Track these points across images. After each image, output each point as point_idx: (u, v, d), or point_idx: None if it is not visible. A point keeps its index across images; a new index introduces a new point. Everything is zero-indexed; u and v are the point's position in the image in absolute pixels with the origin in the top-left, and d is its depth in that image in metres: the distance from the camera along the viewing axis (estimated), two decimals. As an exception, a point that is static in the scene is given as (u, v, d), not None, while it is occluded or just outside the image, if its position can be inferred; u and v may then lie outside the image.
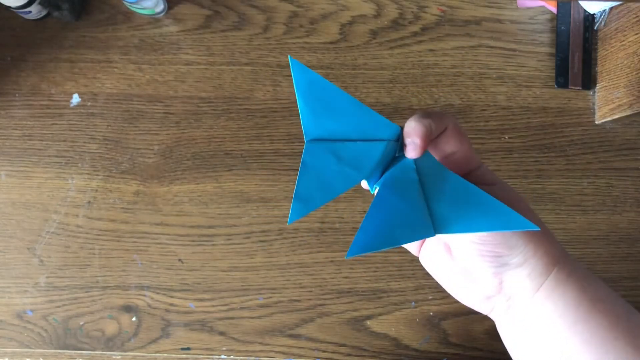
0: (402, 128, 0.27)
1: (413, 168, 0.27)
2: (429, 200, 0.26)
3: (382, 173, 0.28)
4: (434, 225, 0.26)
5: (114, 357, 0.53)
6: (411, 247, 0.33)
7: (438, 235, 0.27)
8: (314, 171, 0.26)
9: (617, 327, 0.26)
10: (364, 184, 0.30)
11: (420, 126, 0.27)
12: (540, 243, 0.27)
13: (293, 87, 0.56)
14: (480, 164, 0.29)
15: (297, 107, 0.56)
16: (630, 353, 0.25)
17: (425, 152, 0.27)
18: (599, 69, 0.57)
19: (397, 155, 0.28)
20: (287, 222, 0.54)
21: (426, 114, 0.27)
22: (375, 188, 0.28)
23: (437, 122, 0.28)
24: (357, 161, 0.27)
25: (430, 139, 0.27)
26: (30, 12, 0.55)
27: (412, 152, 0.27)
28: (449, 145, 0.28)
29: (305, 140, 0.26)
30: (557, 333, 0.27)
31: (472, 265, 0.28)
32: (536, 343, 0.28)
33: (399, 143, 0.27)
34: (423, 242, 0.32)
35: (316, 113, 0.27)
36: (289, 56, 0.27)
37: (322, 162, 0.26)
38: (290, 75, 0.57)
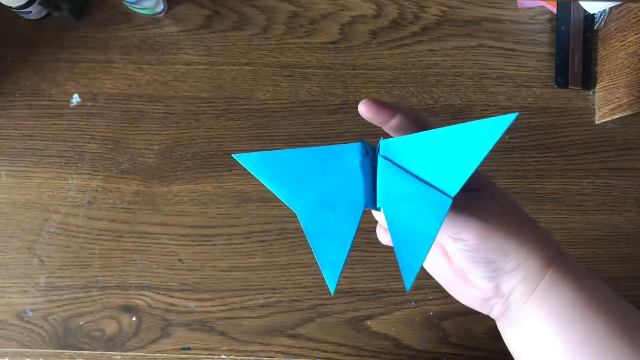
0: (362, 141, 0.27)
1: (390, 164, 0.27)
2: (421, 176, 0.26)
3: (375, 193, 0.28)
4: (444, 193, 0.25)
5: (114, 357, 0.53)
6: None
7: (438, 238, 0.26)
8: (320, 232, 0.26)
9: (614, 326, 0.26)
10: (378, 217, 0.30)
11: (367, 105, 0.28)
12: (535, 245, 0.27)
13: (293, 88, 0.57)
14: (426, 119, 0.30)
15: (297, 107, 0.56)
16: (628, 352, 0.25)
17: (388, 141, 0.27)
18: (599, 69, 0.57)
19: (374, 165, 0.28)
20: (287, 222, 0.54)
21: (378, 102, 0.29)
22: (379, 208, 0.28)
23: (388, 106, 0.28)
24: (347, 197, 0.27)
25: (379, 106, 0.28)
26: (30, 12, 0.55)
27: (360, 105, 0.28)
28: (403, 127, 0.29)
29: (296, 212, 0.26)
30: (554, 333, 0.26)
31: (468, 270, 0.28)
32: (535, 343, 0.28)
33: (369, 152, 0.27)
34: None
35: (287, 182, 0.27)
36: (233, 155, 0.26)
37: (320, 219, 0.26)
38: (291, 76, 0.57)
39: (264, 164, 0.27)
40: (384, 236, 0.33)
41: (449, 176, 0.25)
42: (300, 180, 0.27)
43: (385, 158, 0.27)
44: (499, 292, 0.28)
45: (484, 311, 0.30)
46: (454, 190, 0.25)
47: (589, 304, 0.26)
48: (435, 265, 0.32)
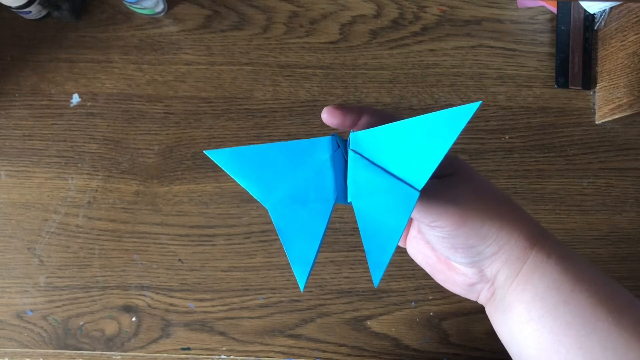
0: (334, 135, 0.27)
1: (359, 157, 0.26)
2: (389, 169, 0.25)
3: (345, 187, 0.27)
4: (411, 186, 0.25)
5: (114, 357, 0.52)
6: None
7: (417, 225, 0.26)
8: (291, 228, 0.26)
9: (600, 307, 0.25)
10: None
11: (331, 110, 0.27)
12: (514, 227, 0.27)
13: (293, 88, 0.57)
14: (392, 113, 0.29)
15: (297, 107, 0.56)
16: (614, 333, 0.25)
17: (357, 134, 0.26)
18: (599, 69, 0.57)
19: (345, 159, 0.27)
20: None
21: (339, 105, 0.28)
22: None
23: (352, 109, 0.28)
24: (317, 193, 0.26)
25: (343, 111, 0.27)
26: (30, 12, 0.55)
27: (323, 113, 0.27)
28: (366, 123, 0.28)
29: (267, 208, 0.26)
30: (539, 317, 0.26)
31: (449, 257, 0.28)
32: (520, 328, 0.27)
33: (341, 146, 0.27)
34: (407, 233, 0.32)
35: (257, 178, 0.26)
36: (205, 152, 0.26)
37: (291, 215, 0.26)
38: (291, 76, 0.57)
39: (234, 160, 0.26)
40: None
41: (415, 168, 0.24)
42: (272, 175, 0.26)
43: (355, 152, 0.26)
44: (484, 277, 0.28)
45: (472, 297, 0.30)
46: (420, 182, 0.24)
47: (574, 285, 0.26)
48: (420, 253, 0.31)
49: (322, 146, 0.26)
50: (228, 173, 0.26)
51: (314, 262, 0.25)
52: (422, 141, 0.24)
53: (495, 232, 0.26)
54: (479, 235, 0.26)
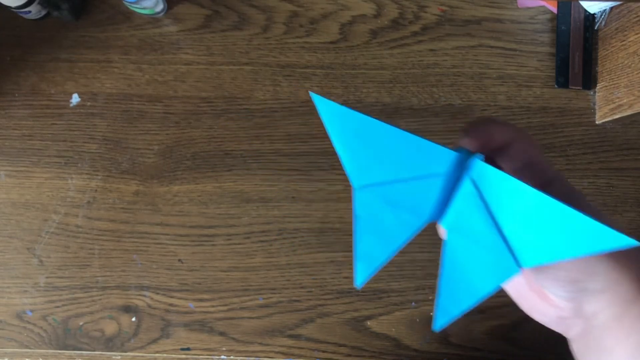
0: (460, 150, 0.23)
1: (475, 193, 0.22)
2: (502, 227, 0.22)
3: (445, 207, 0.24)
4: (515, 259, 0.22)
5: (113, 357, 0.52)
6: None
7: None
8: (369, 223, 0.23)
9: None
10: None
11: (473, 124, 0.23)
12: (629, 268, 0.24)
13: (293, 88, 0.56)
14: (557, 174, 0.25)
15: (297, 107, 0.56)
16: None
17: (485, 167, 0.22)
18: (599, 68, 0.57)
19: (457, 182, 0.23)
20: (287, 222, 0.54)
21: (488, 118, 0.24)
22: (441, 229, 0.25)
23: (501, 128, 0.24)
24: (413, 203, 0.23)
25: (486, 136, 0.24)
26: (29, 12, 0.55)
27: (463, 139, 0.23)
28: (516, 158, 0.24)
29: (353, 188, 0.23)
30: None
31: (546, 287, 0.25)
32: None
33: (459, 170, 0.23)
34: None
35: (358, 154, 0.23)
36: (310, 93, 0.22)
37: (376, 211, 0.23)
38: (291, 76, 0.57)
39: (344, 121, 0.22)
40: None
41: (529, 247, 0.21)
42: (375, 158, 0.23)
43: (475, 184, 0.22)
44: (580, 313, 0.25)
45: (558, 330, 0.27)
46: (527, 263, 0.21)
47: None
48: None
49: (444, 158, 0.22)
50: (328, 131, 0.22)
51: (381, 266, 0.23)
52: (554, 231, 0.21)
53: (605, 270, 0.24)
54: (587, 271, 0.24)
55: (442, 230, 0.26)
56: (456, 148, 0.23)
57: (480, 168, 0.22)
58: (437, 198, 0.23)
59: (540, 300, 0.27)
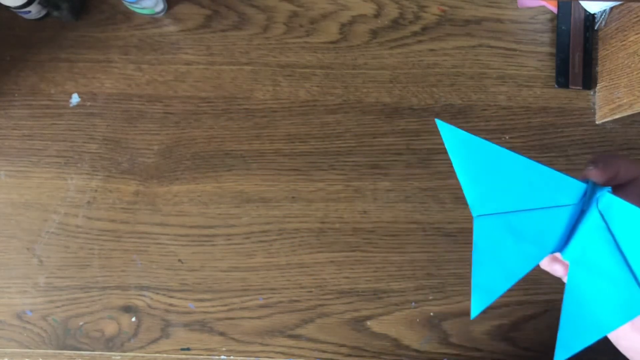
0: (589, 182, 0.22)
1: (603, 226, 0.22)
2: (630, 262, 0.21)
3: (568, 239, 0.23)
4: None
5: (113, 357, 0.52)
6: None
7: None
8: (490, 253, 0.23)
9: None
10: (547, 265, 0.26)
11: (601, 158, 0.23)
12: None
13: (293, 88, 0.56)
14: None
15: (297, 107, 0.56)
16: None
17: (614, 200, 0.22)
18: (599, 68, 0.57)
19: (582, 214, 0.23)
20: (288, 222, 0.54)
21: (616, 155, 0.23)
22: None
23: (627, 164, 0.24)
24: (538, 235, 0.22)
25: (615, 170, 0.23)
26: (29, 12, 0.55)
27: (591, 171, 0.22)
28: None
29: (473, 217, 0.23)
30: None
31: None
32: None
33: (585, 202, 0.23)
34: None
35: (480, 181, 0.22)
36: (436, 120, 0.21)
37: (497, 240, 0.23)
38: (291, 76, 0.57)
39: (468, 148, 0.22)
40: (548, 264, 0.28)
41: None
42: (498, 187, 0.22)
43: (602, 217, 0.22)
44: None
45: None
46: None
47: None
48: None
49: (572, 189, 0.22)
50: (451, 157, 0.22)
51: (497, 297, 0.22)
52: None
53: None
54: None
55: (557, 262, 0.26)
56: (584, 180, 0.22)
57: (608, 200, 0.22)
58: (564, 230, 0.22)
59: (634, 333, 0.25)
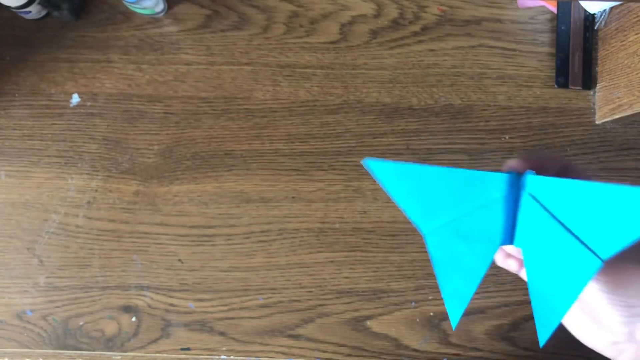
0: (511, 172, 0.24)
1: (537, 206, 0.24)
2: (572, 229, 0.23)
3: (514, 229, 0.25)
4: (595, 254, 0.22)
5: (113, 357, 0.52)
6: None
7: None
8: (448, 262, 0.24)
9: None
10: (502, 260, 0.27)
11: (524, 152, 0.24)
12: None
13: (293, 88, 0.56)
14: None
15: (297, 107, 0.56)
16: None
17: (538, 179, 0.24)
18: (599, 68, 0.57)
19: (517, 204, 0.24)
20: (288, 222, 0.54)
21: (538, 150, 0.25)
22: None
23: (551, 156, 0.25)
24: (483, 232, 0.24)
25: (536, 160, 0.25)
26: (30, 12, 0.55)
27: (512, 161, 0.24)
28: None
29: (423, 235, 0.24)
30: None
31: (600, 312, 0.26)
32: None
33: (515, 192, 0.24)
34: None
35: (418, 202, 0.24)
36: (364, 161, 0.23)
37: (451, 249, 0.24)
38: (291, 76, 0.57)
39: (397, 176, 0.24)
40: (502, 261, 0.30)
41: (603, 237, 0.22)
42: (435, 201, 0.24)
43: (533, 197, 0.24)
44: (632, 338, 0.26)
45: (608, 354, 0.27)
46: (606, 253, 0.22)
47: None
48: None
49: (498, 182, 0.24)
50: (385, 189, 0.24)
51: (469, 301, 0.24)
52: (618, 213, 0.22)
53: None
54: None
55: (510, 258, 0.27)
56: (506, 171, 0.24)
57: (534, 181, 0.23)
58: (503, 221, 0.24)
59: (593, 325, 0.27)
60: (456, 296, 0.24)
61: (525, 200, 0.24)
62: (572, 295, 0.23)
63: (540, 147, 0.56)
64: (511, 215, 0.24)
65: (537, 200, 0.24)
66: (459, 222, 0.24)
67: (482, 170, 0.24)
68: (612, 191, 0.21)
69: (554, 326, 0.23)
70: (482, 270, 0.24)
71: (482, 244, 0.24)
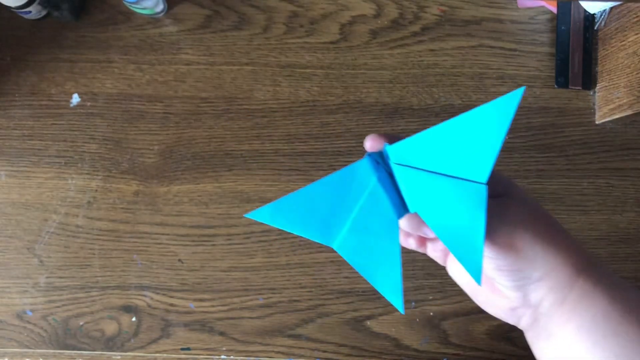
0: (368, 154, 0.26)
1: (406, 168, 0.25)
2: (444, 171, 0.24)
3: (403, 200, 0.26)
4: (475, 182, 0.24)
5: (114, 357, 0.52)
6: (437, 258, 0.32)
7: None
8: (365, 259, 0.25)
9: None
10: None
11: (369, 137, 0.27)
12: (563, 254, 0.26)
13: (293, 88, 0.57)
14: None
15: (297, 107, 0.56)
16: None
17: (394, 147, 0.25)
18: (599, 69, 0.57)
19: (388, 172, 0.26)
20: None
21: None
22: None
23: (388, 134, 0.27)
24: (377, 216, 0.25)
25: (382, 138, 0.27)
26: (30, 12, 0.55)
27: (366, 144, 0.27)
28: None
29: (334, 248, 0.25)
30: (586, 348, 0.25)
31: (494, 279, 0.27)
32: (566, 357, 0.26)
33: (380, 161, 0.26)
34: (449, 253, 0.31)
35: (311, 224, 0.25)
36: (246, 215, 0.25)
37: (360, 246, 0.25)
38: (291, 76, 0.57)
39: (279, 213, 0.25)
40: (404, 242, 0.31)
41: (474, 164, 0.23)
42: (325, 215, 0.25)
43: (400, 164, 0.25)
44: (527, 302, 0.27)
45: (512, 321, 0.29)
46: (484, 176, 0.23)
47: (622, 316, 0.25)
48: (461, 273, 0.31)
49: (363, 169, 0.25)
50: (279, 228, 0.25)
51: (402, 281, 0.25)
52: (473, 137, 0.23)
53: (543, 258, 0.26)
54: (526, 259, 0.26)
55: (410, 237, 0.29)
56: (364, 156, 0.26)
57: (392, 150, 0.25)
58: (389, 198, 0.25)
59: (492, 293, 0.29)
60: (389, 285, 0.25)
61: (397, 170, 0.25)
62: (479, 227, 0.24)
63: (537, 147, 0.56)
64: (393, 189, 0.26)
65: (404, 165, 0.25)
66: (354, 221, 0.25)
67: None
68: (457, 123, 0.23)
69: (480, 262, 0.24)
70: (396, 250, 0.25)
71: (383, 227, 0.25)
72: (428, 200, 0.25)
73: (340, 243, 0.25)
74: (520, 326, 0.29)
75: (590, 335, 0.25)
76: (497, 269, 0.26)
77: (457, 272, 0.31)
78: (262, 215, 0.25)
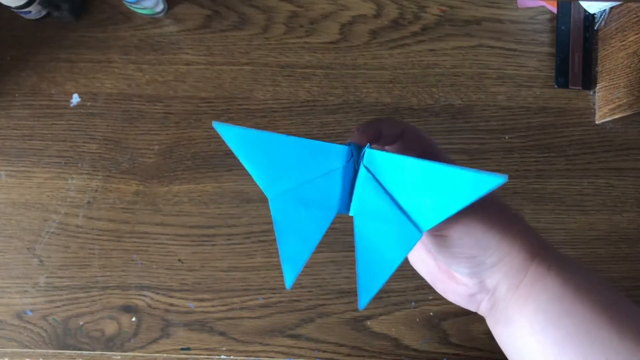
0: (350, 144, 0.26)
1: (370, 177, 0.26)
2: (398, 201, 0.25)
3: (351, 198, 0.27)
4: (416, 226, 0.24)
5: (114, 357, 0.52)
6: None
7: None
8: (288, 225, 0.25)
9: (602, 317, 0.25)
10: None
11: (363, 124, 0.27)
12: (516, 239, 0.27)
13: (293, 88, 0.56)
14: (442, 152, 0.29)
15: (297, 107, 0.56)
16: (616, 342, 0.24)
17: (373, 153, 0.26)
18: (599, 69, 0.57)
19: (355, 172, 0.27)
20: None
21: (377, 118, 0.27)
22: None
23: (388, 124, 0.27)
24: (322, 200, 0.26)
25: (373, 131, 0.27)
26: (30, 12, 0.55)
27: (352, 134, 0.27)
28: (409, 151, 0.28)
29: (268, 198, 0.25)
30: (542, 330, 0.26)
31: (450, 266, 0.28)
32: (524, 340, 0.27)
33: (354, 155, 0.26)
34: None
35: (265, 167, 0.25)
36: (214, 123, 0.25)
37: (292, 213, 0.25)
38: (291, 76, 0.57)
39: (245, 141, 0.25)
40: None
41: (424, 211, 0.24)
42: (280, 167, 0.26)
43: (368, 169, 0.26)
44: (484, 288, 0.28)
45: (471, 308, 0.30)
46: (426, 226, 0.24)
47: (575, 296, 0.26)
48: (421, 261, 0.31)
49: (338, 153, 0.26)
50: (234, 152, 0.25)
51: (304, 264, 0.25)
52: (439, 190, 0.24)
53: (497, 243, 0.26)
54: (480, 246, 0.26)
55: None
56: (347, 143, 0.26)
57: (369, 155, 0.26)
58: (340, 190, 0.26)
59: (450, 280, 0.29)
60: (293, 259, 0.25)
61: (361, 173, 0.26)
62: (393, 263, 0.24)
63: (537, 147, 0.56)
64: (349, 185, 0.26)
65: (370, 172, 0.25)
66: (301, 189, 0.26)
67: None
68: (435, 169, 0.24)
69: (374, 292, 0.24)
70: (318, 236, 0.25)
71: (320, 211, 0.26)
72: (368, 213, 0.25)
73: (275, 197, 0.26)
74: (480, 312, 0.30)
75: (546, 316, 0.26)
76: (453, 257, 0.27)
77: (418, 261, 0.32)
78: (229, 133, 0.25)
